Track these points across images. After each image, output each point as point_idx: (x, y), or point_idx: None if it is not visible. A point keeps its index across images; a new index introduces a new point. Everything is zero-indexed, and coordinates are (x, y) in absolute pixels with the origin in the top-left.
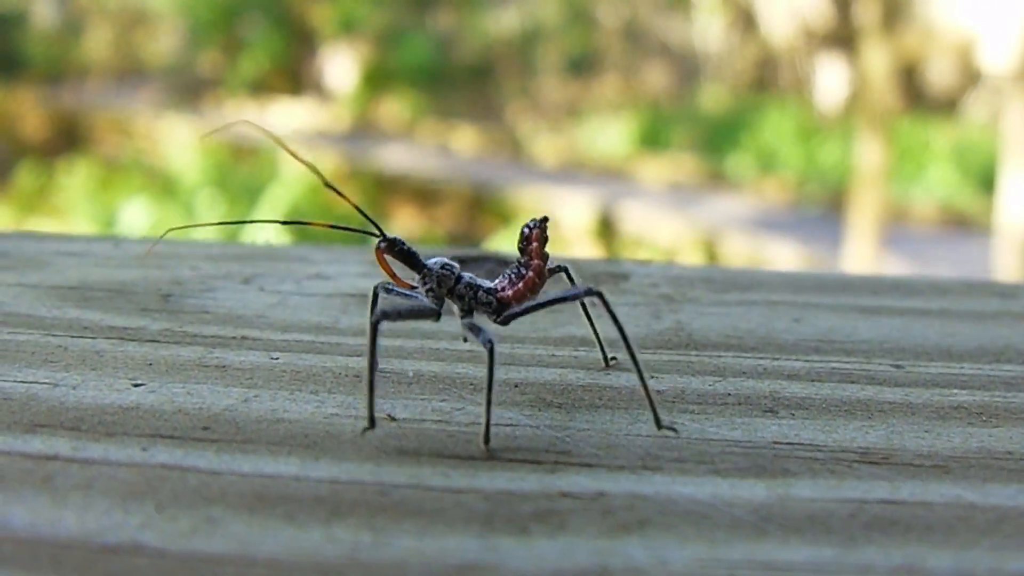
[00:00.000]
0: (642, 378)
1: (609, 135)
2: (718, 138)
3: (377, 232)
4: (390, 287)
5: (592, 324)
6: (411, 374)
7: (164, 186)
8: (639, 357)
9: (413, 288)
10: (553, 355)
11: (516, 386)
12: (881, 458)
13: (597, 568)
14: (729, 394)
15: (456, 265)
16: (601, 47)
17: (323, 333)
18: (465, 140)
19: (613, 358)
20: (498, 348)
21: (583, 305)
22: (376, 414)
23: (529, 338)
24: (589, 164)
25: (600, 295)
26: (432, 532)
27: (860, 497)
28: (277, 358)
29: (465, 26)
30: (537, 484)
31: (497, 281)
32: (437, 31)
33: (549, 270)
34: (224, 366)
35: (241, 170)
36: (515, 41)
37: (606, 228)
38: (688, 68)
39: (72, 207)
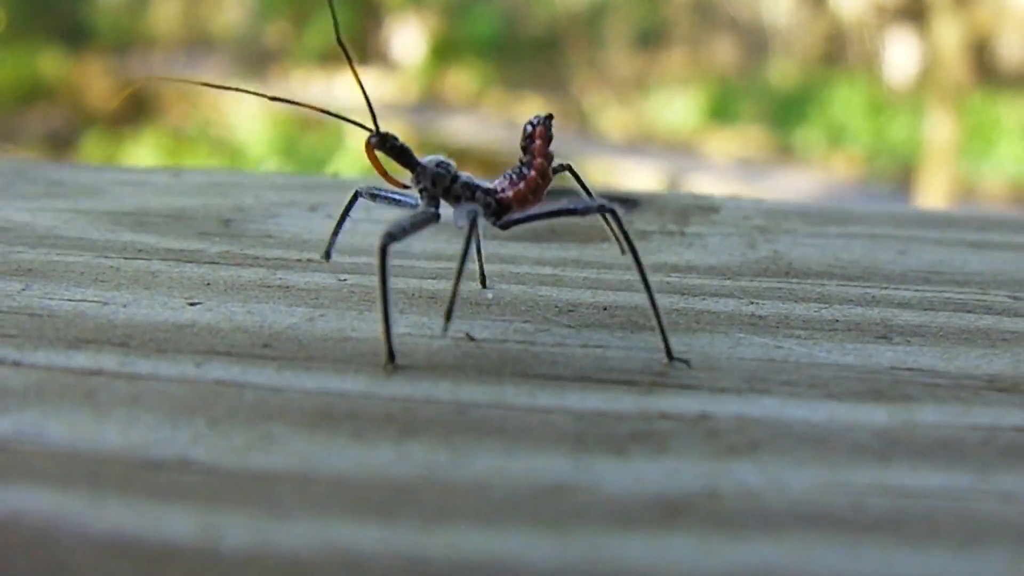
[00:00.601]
0: (654, 305)
1: (676, 108)
2: (786, 112)
3: (371, 127)
4: (376, 192)
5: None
6: (490, 296)
7: (231, 156)
8: (651, 281)
9: (405, 188)
10: None
11: (605, 309)
12: (1010, 385)
13: (705, 490)
14: (837, 320)
15: (452, 163)
16: (669, 20)
17: (394, 256)
18: (532, 112)
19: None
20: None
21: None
22: (450, 331)
23: (617, 264)
24: (656, 137)
25: (614, 212)
26: (517, 452)
27: (991, 424)
28: (345, 279)
29: None
30: (633, 405)
31: (497, 181)
32: (504, 3)
33: (552, 169)
34: (288, 286)
35: (307, 140)
36: (583, 13)
37: None
38: (756, 42)
39: None
